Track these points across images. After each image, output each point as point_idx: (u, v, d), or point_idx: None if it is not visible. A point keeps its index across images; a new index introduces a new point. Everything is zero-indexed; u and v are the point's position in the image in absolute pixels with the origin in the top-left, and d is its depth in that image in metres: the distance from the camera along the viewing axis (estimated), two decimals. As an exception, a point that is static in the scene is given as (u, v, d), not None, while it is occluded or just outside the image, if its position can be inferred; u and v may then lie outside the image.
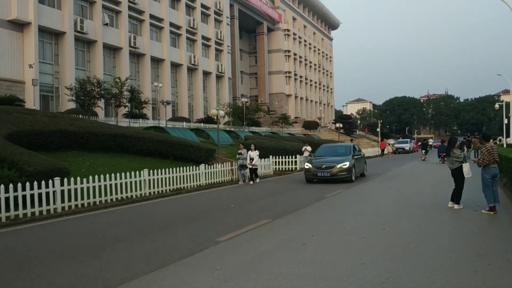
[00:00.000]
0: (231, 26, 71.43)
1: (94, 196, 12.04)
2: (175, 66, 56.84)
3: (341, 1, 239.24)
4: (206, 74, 63.15)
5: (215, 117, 56.13)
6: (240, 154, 19.13)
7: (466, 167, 9.87)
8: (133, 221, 9.81)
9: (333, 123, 68.45)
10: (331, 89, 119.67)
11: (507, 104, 45.40)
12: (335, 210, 10.39)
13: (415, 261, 5.74)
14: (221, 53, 67.17)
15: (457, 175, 10.03)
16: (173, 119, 48.86)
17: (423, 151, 35.07)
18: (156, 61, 53.88)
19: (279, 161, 26.05)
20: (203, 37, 61.60)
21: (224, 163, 19.98)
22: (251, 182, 18.89)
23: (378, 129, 60.23)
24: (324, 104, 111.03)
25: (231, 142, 34.15)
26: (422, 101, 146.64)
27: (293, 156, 26.34)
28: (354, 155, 18.46)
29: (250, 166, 18.99)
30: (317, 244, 6.81)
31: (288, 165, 26.14)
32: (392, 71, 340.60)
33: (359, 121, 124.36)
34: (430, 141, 57.44)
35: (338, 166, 16.96)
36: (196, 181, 17.02)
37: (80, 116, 30.74)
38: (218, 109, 22.33)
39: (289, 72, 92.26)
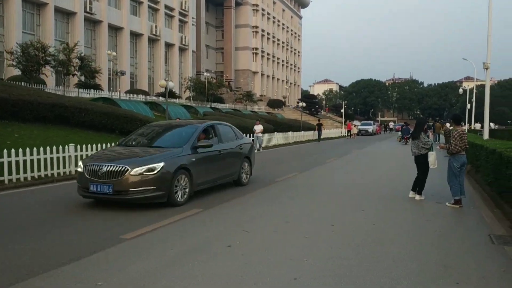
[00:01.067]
0: (196, -3, 68.64)
1: (3, 174, 10.21)
2: (135, 35, 53.96)
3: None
4: (168, 46, 60.46)
5: (175, 91, 54.20)
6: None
7: (432, 157, 8.63)
8: (33, 208, 8.09)
9: (297, 102, 67.32)
10: (298, 68, 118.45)
11: (471, 90, 45.32)
12: (281, 200, 8.98)
13: (364, 277, 4.36)
14: (185, 25, 64.44)
15: (422, 162, 8.81)
16: (131, 92, 46.41)
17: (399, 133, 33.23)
18: (115, 30, 50.89)
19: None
20: (166, 7, 58.72)
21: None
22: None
23: (342, 110, 59.44)
24: (290, 83, 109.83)
25: (189, 118, 32.34)
26: (387, 84, 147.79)
27: (251, 135, 24.88)
28: (197, 147, 8.87)
29: None
30: (245, 247, 5.36)
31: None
32: (360, 53, 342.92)
33: (324, 102, 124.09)
34: (391, 124, 57.03)
35: (134, 171, 7.59)
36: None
37: (23, 84, 28.17)
38: (167, 80, 20.47)
39: (256, 49, 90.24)
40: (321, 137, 37.39)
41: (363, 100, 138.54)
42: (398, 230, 6.40)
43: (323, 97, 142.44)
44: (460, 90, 44.22)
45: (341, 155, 21.29)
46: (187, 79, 50.31)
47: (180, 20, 62.45)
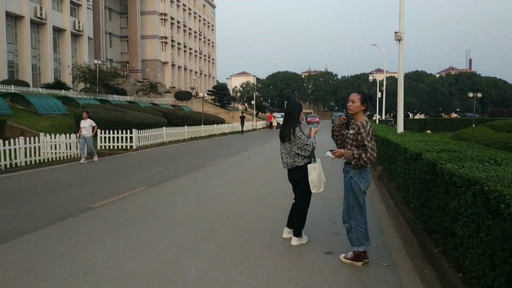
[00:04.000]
0: (92, -23, 61.68)
1: None
2: (13, 18, 46.46)
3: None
4: (58, 31, 53.29)
5: (64, 82, 47.66)
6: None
7: (314, 174, 4.94)
8: None
9: (208, 94, 63.14)
10: (213, 59, 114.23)
11: (381, 81, 44.06)
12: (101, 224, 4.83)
13: None
14: (79, 8, 57.45)
15: (302, 180, 5.11)
16: (8, 82, 39.35)
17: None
18: (-15, 9, 43.19)
19: (107, 137, 19.89)
20: (54, -14, 51.58)
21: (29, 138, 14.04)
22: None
23: (253, 102, 56.21)
24: (205, 75, 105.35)
25: (63, 112, 26.95)
26: (303, 76, 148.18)
27: (129, 131, 20.32)
28: None
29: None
30: None
31: (121, 142, 20.11)
32: (278, 46, 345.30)
33: (239, 94, 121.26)
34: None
35: None
36: None
37: None
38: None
39: (166, 38, 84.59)
40: (239, 130, 38.52)
41: (279, 93, 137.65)
42: None
43: (241, 89, 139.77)
44: (370, 78, 42.63)
45: (233, 153, 17.50)
46: (75, 67, 43.96)
47: (72, 3, 55.41)
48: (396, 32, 10.88)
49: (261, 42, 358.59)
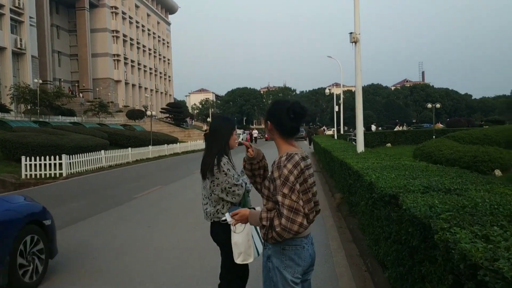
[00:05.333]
0: (36, -6, 58.30)
1: None
2: None
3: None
4: (-3, 49, 49.66)
5: (7, 104, 44.11)
6: None
7: (239, 235, 3.02)
8: None
9: (161, 112, 60.64)
10: (169, 77, 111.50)
11: (338, 95, 43.17)
12: None
13: None
14: (21, 25, 53.88)
15: (224, 244, 3.20)
16: None
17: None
18: None
19: (33, 164, 17.39)
20: (-10, 2, 48.08)
21: None
22: None
23: (209, 119, 54.21)
24: (161, 93, 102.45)
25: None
26: (262, 92, 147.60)
27: (58, 157, 17.86)
28: None
29: None
30: None
31: (49, 169, 17.64)
32: (236, 62, 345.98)
33: (196, 111, 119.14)
34: (255, 133, 52.81)
35: None
36: None
37: None
38: None
39: (118, 55, 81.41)
40: (193, 149, 37.46)
41: (239, 109, 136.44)
42: None
43: (200, 106, 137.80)
44: (327, 91, 41.76)
45: (175, 179, 15.40)
46: (11, 87, 40.58)
47: (12, 19, 51.90)
48: (351, 33, 9.23)
49: (219, 59, 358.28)
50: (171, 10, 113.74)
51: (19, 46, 52.27)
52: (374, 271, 4.49)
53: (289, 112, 2.39)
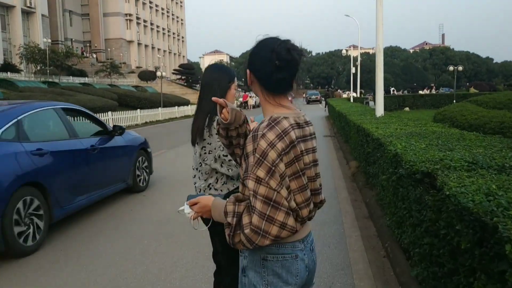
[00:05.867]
0: None
1: None
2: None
3: None
4: (6, 7, 48.67)
5: (21, 64, 43.57)
6: None
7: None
8: None
9: (173, 73, 59.58)
10: (182, 37, 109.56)
11: (355, 58, 41.55)
12: None
13: None
14: (30, -18, 52.61)
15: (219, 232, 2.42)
16: None
17: None
18: None
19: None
20: (-3, -44, 46.72)
21: None
22: None
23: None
24: (174, 54, 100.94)
25: (-2, 97, 23.53)
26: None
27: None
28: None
29: None
30: None
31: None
32: (251, 22, 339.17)
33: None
34: (253, 99, 49.26)
35: None
36: None
37: None
38: None
39: (130, 15, 79.74)
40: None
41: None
42: None
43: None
44: (343, 52, 40.02)
45: (181, 142, 14.67)
46: (23, 47, 39.81)
47: (21, -24, 50.64)
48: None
49: (234, 19, 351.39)
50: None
51: (28, 5, 51.19)
52: (395, 260, 3.75)
53: (273, 57, 1.56)
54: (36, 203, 4.59)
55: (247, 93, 49.96)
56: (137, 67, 74.60)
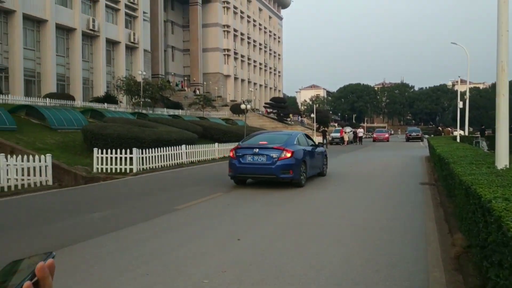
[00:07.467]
0: (150, -11, 60.10)
1: None
2: (65, 30, 45.27)
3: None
4: (112, 43, 51.84)
5: (118, 96, 45.65)
6: None
7: None
8: None
9: (264, 107, 58.76)
10: (279, 72, 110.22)
11: (462, 93, 37.13)
12: None
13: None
14: (135, 20, 55.87)
15: None
16: (53, 96, 37.60)
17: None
18: (36, 22, 42.20)
19: (104, 158, 16.01)
20: (107, -3, 50.16)
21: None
22: None
23: (313, 115, 50.88)
24: (270, 88, 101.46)
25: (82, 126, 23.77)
26: (376, 88, 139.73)
27: (127, 151, 16.26)
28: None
29: None
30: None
31: (119, 164, 16.11)
32: (349, 57, 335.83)
33: (303, 107, 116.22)
34: (360, 131, 46.51)
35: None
36: None
37: None
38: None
39: (228, 50, 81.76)
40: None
41: (351, 106, 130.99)
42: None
43: (310, 103, 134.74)
44: (448, 83, 35.86)
45: (250, 183, 12.59)
46: (119, 79, 41.49)
47: (127, 14, 53.90)
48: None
49: (331, 54, 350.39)
50: (283, 4, 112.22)
51: (132, 40, 54.17)
52: None
53: None
54: (304, 168, 11.99)
55: (343, 128, 47.41)
56: (231, 101, 75.53)
